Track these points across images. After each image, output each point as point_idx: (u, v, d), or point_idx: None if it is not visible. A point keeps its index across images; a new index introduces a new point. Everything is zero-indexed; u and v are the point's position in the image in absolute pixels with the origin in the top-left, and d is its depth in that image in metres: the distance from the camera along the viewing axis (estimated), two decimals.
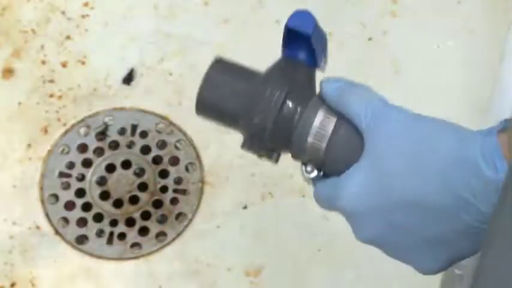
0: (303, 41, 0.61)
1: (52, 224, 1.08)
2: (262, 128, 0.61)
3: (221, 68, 0.64)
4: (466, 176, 0.53)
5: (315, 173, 0.61)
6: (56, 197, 1.09)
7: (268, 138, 0.61)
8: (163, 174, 1.11)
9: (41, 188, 1.09)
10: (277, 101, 0.60)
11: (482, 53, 1.14)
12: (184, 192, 1.10)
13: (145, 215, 1.09)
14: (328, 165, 0.61)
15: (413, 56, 1.17)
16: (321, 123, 0.60)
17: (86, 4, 1.15)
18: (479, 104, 1.09)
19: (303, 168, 0.61)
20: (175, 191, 1.10)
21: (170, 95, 1.14)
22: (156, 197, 1.10)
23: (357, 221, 0.58)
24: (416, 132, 0.56)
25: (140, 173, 1.10)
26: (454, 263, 0.58)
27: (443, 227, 0.56)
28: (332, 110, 0.60)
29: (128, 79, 1.11)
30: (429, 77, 1.16)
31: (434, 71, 1.16)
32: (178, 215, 1.09)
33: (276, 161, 0.63)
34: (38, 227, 1.08)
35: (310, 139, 0.60)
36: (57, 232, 1.08)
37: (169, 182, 1.10)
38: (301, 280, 1.07)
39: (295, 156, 0.62)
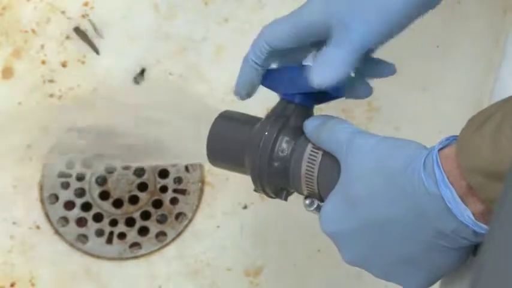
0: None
1: (52, 224, 1.08)
2: (260, 167, 0.65)
3: (224, 119, 0.69)
4: (414, 191, 0.55)
5: (314, 206, 0.64)
6: (55, 196, 1.09)
7: (269, 177, 0.65)
8: (163, 174, 1.11)
9: (41, 188, 1.09)
10: (268, 141, 0.64)
11: (482, 53, 1.14)
12: (184, 192, 1.10)
13: (145, 215, 1.09)
14: (323, 196, 0.64)
15: (413, 56, 1.17)
16: (310, 155, 0.63)
17: (85, 4, 1.15)
18: (479, 104, 1.09)
19: (304, 202, 0.65)
20: (175, 191, 1.10)
21: (170, 95, 1.14)
22: (156, 197, 1.10)
23: (338, 244, 0.62)
24: (375, 156, 0.58)
25: (140, 173, 1.10)
26: (435, 280, 0.61)
27: (410, 245, 0.58)
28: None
29: (138, 79, 1.11)
30: (429, 77, 1.16)
31: (434, 71, 1.16)
32: (178, 215, 1.09)
33: (285, 199, 0.68)
34: (38, 227, 1.08)
35: (303, 171, 0.64)
36: (57, 232, 1.08)
37: (169, 182, 1.10)
38: (301, 280, 1.07)
39: (298, 192, 0.66)
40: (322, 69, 0.62)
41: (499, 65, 0.94)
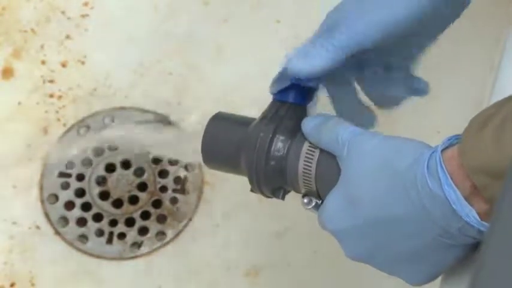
0: (291, 85, 0.66)
1: (52, 224, 1.08)
2: (257, 168, 0.65)
3: (218, 121, 0.69)
4: (418, 192, 0.56)
5: (312, 204, 0.65)
6: (55, 196, 1.09)
7: (266, 177, 0.65)
8: (163, 174, 1.11)
9: (41, 188, 1.09)
10: (264, 140, 0.64)
11: (482, 52, 1.14)
12: (183, 192, 1.10)
13: (145, 215, 1.09)
14: (321, 194, 0.64)
15: None
16: (307, 153, 0.64)
17: (85, 4, 1.15)
18: (479, 104, 1.09)
19: (302, 201, 0.65)
20: (174, 190, 1.10)
21: (170, 95, 1.14)
22: (155, 197, 1.10)
23: (341, 241, 0.62)
24: (378, 156, 0.59)
25: (140, 173, 1.10)
26: (438, 275, 0.61)
27: (415, 242, 0.58)
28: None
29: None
30: (429, 77, 1.16)
31: (434, 71, 1.16)
32: (178, 215, 1.09)
33: (283, 198, 0.68)
34: (37, 227, 1.08)
35: (300, 169, 0.64)
36: (56, 232, 1.08)
37: (168, 182, 1.10)
38: (301, 280, 1.07)
39: (295, 190, 0.66)
40: (301, 60, 0.62)
41: (499, 65, 0.94)
